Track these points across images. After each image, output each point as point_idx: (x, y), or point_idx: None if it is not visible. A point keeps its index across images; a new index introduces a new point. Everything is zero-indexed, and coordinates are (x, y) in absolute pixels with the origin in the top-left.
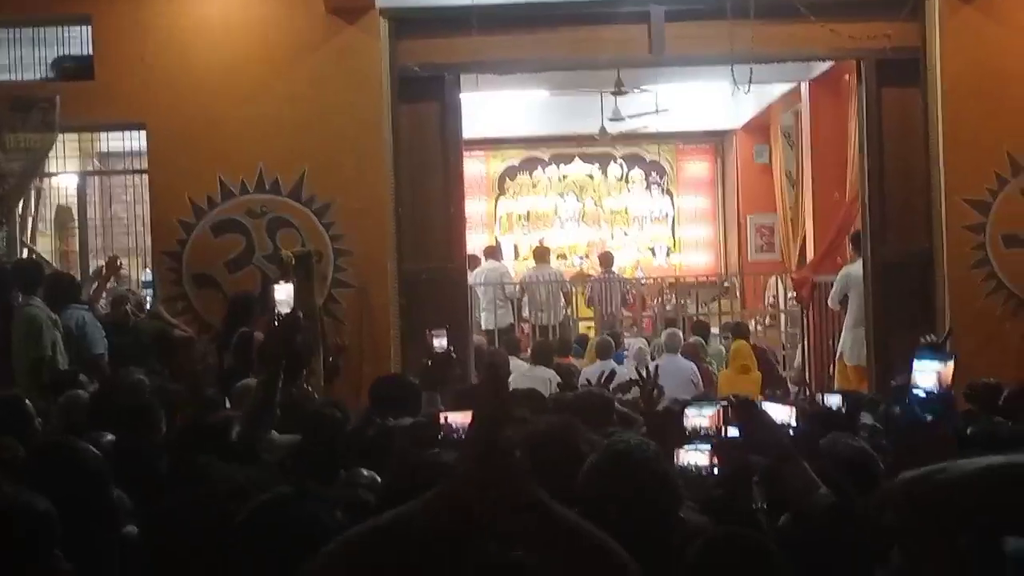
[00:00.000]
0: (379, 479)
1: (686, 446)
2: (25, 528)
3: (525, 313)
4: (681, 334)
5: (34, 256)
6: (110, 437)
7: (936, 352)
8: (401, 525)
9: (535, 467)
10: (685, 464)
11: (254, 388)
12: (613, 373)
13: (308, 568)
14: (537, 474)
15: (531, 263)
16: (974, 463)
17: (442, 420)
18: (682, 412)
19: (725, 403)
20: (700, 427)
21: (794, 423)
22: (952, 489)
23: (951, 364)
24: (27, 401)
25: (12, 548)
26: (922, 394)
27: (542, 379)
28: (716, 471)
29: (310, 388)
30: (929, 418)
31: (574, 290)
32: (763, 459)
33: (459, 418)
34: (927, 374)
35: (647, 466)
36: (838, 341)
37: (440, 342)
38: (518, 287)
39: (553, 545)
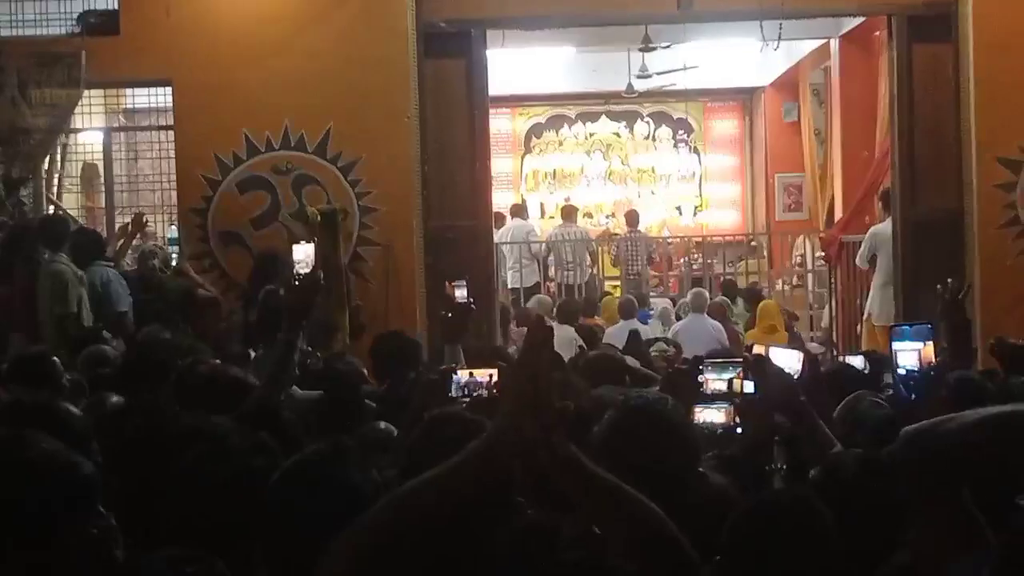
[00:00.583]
0: (395, 432)
1: (702, 404)
2: (69, 488)
3: (551, 272)
4: (707, 294)
5: (60, 212)
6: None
7: (915, 332)
8: (437, 486)
9: None
10: (701, 422)
11: (273, 348)
12: (637, 335)
13: (347, 533)
14: None
15: (558, 221)
16: (975, 413)
17: (457, 377)
18: (698, 370)
19: (742, 361)
20: (719, 391)
21: (799, 367)
22: (951, 439)
23: (931, 344)
24: (55, 358)
25: (55, 508)
26: (904, 373)
27: (565, 339)
28: (739, 430)
29: (311, 348)
30: (914, 397)
31: (599, 249)
32: (784, 419)
33: (473, 375)
34: (908, 354)
35: (665, 421)
36: (866, 301)
37: (460, 292)
38: (544, 246)
39: (593, 503)
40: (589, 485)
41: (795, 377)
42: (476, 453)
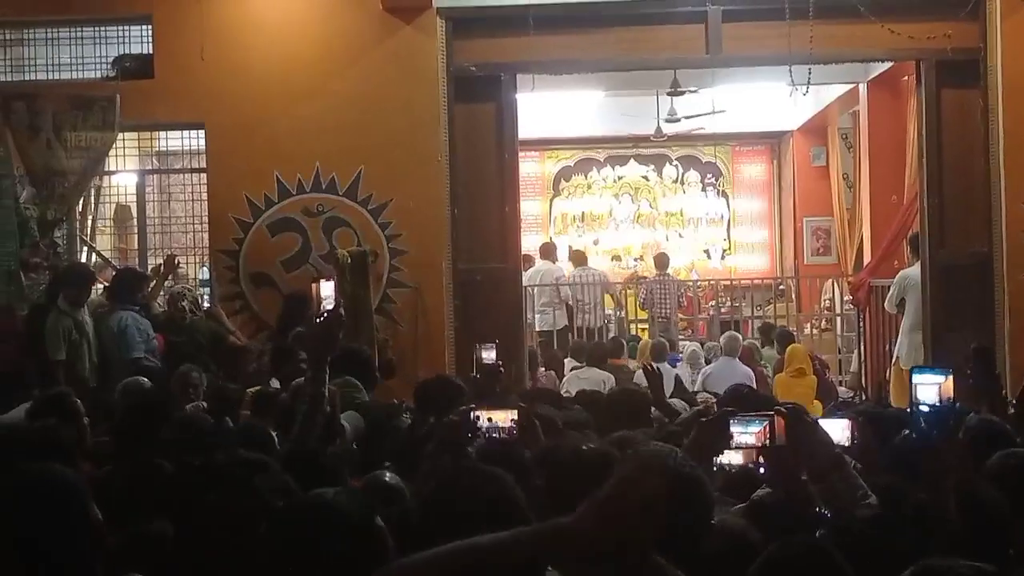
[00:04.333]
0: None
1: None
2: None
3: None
4: (740, 337)
5: (95, 254)
6: None
7: (935, 366)
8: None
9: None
10: (724, 463)
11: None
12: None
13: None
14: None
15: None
16: None
17: (479, 417)
18: (726, 423)
19: (771, 414)
20: (746, 444)
21: (850, 438)
22: None
23: (951, 378)
24: (74, 398)
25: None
26: (926, 408)
27: (596, 381)
28: (762, 470)
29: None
30: (935, 433)
31: (626, 291)
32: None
33: (492, 420)
34: (928, 388)
35: (677, 474)
36: (894, 345)
37: (489, 355)
38: (566, 289)
39: None
40: None
41: (845, 445)
42: (542, 536)
